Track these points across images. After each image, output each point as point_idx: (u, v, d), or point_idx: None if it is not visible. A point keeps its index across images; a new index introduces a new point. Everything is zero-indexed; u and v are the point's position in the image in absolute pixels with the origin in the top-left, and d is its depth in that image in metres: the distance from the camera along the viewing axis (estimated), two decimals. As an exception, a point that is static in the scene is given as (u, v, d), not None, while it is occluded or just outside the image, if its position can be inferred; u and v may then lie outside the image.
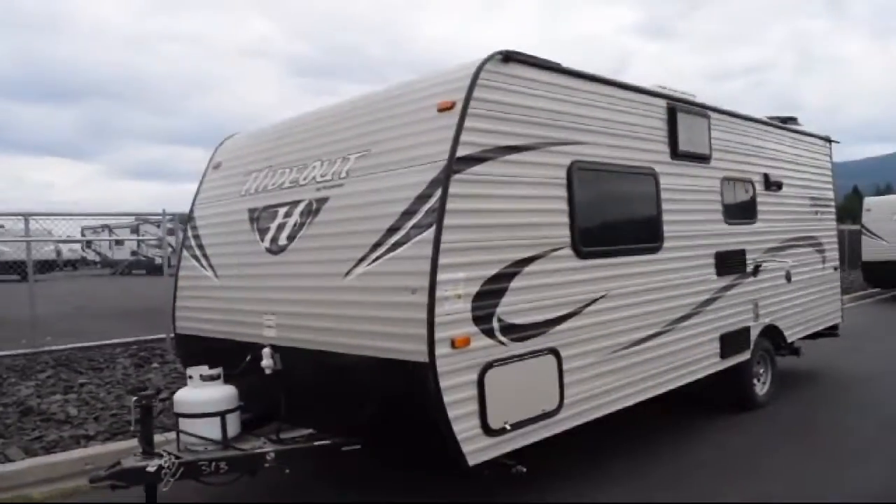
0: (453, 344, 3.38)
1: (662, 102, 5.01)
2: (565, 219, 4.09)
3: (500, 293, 3.65)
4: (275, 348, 4.20)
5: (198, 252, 5.14)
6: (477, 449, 3.49)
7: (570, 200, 4.10)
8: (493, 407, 3.54)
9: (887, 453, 4.94)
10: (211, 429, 3.94)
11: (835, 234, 7.62)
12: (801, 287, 6.77)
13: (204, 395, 3.97)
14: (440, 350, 3.32)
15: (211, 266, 4.97)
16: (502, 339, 3.65)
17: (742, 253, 5.83)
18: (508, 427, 3.62)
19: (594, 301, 4.25)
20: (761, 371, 6.32)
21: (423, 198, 3.49)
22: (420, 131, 3.70)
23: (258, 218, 4.61)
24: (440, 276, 3.34)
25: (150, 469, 3.65)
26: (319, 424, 4.25)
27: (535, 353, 3.82)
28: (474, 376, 3.49)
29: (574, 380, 4.05)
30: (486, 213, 3.61)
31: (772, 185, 6.33)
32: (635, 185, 4.73)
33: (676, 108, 5.07)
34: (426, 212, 3.45)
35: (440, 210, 3.38)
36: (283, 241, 4.34)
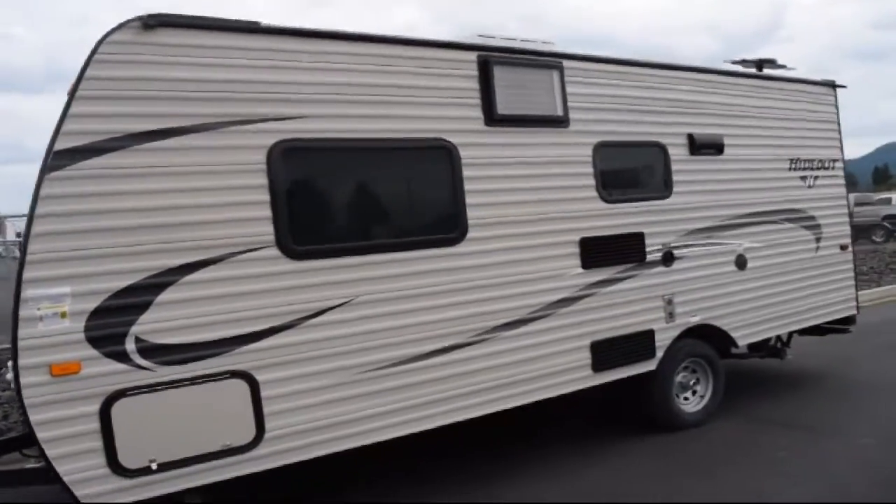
0: (52, 371, 2.88)
1: (470, 56, 3.98)
2: (266, 212, 3.35)
3: (140, 308, 3.06)
4: None
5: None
6: (102, 492, 2.97)
7: (274, 190, 3.36)
8: (126, 443, 3.00)
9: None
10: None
11: (841, 203, 5.86)
12: (766, 275, 5.27)
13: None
14: (29, 378, 2.85)
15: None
16: (143, 362, 3.06)
17: (638, 237, 4.59)
18: (155, 467, 3.05)
19: (325, 311, 3.49)
20: (692, 382, 5.03)
21: None
22: None
23: None
24: (27, 293, 2.85)
25: None
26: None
27: (206, 378, 3.19)
28: (94, 408, 2.96)
29: (283, 408, 3.35)
30: (111, 215, 3.00)
31: (702, 147, 4.92)
32: (408, 162, 3.81)
33: (491, 60, 4.01)
34: None
35: (29, 216, 2.87)
36: None
